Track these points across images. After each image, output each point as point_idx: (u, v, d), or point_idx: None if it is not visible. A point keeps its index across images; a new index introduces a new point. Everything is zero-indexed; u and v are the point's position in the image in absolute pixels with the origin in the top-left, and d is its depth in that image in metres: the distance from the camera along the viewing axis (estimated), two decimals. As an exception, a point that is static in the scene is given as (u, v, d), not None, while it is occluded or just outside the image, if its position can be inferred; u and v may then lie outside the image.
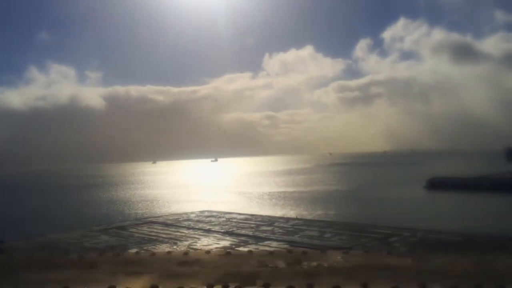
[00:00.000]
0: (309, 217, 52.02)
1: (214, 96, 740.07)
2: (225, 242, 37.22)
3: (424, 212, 58.45)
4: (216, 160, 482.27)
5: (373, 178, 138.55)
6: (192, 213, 60.62)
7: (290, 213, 55.76)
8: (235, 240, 38.10)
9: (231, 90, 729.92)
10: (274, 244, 35.88)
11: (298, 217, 49.63)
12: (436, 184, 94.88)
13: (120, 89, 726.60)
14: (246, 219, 50.60)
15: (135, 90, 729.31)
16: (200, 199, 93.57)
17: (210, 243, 36.96)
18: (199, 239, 39.01)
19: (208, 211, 61.94)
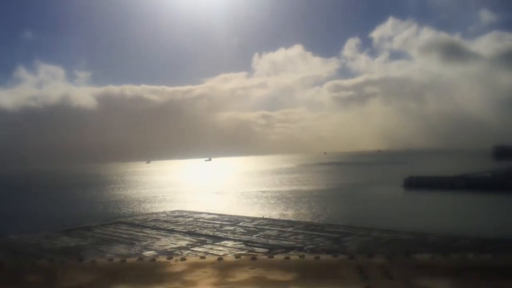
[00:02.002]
0: (276, 216, 52.78)
1: (209, 96, 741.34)
2: (183, 242, 37.74)
3: (393, 211, 59.46)
4: (209, 159, 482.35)
5: (356, 177, 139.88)
6: (163, 213, 61.08)
7: (259, 212, 56.43)
8: (193, 240, 38.66)
9: (226, 89, 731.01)
10: (230, 244, 36.54)
11: (264, 216, 50.29)
12: (413, 183, 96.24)
13: (114, 89, 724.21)
14: (213, 218, 51.18)
15: (129, 89, 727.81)
16: (180, 199, 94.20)
17: (167, 243, 37.43)
18: (159, 239, 39.45)
19: (179, 211, 62.46)
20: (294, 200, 78.72)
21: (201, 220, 50.46)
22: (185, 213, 57.60)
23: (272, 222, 47.26)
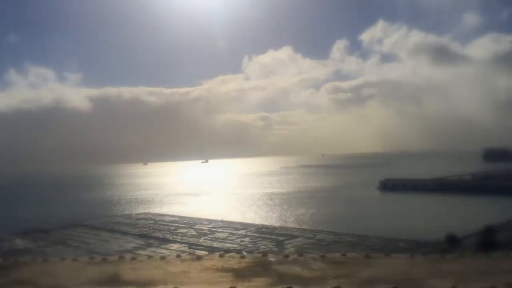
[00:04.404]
0: (237, 219, 53.42)
1: (207, 98, 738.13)
2: (130, 245, 38.58)
3: (354, 213, 60.50)
4: (206, 161, 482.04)
5: (336, 180, 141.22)
6: (128, 215, 61.94)
7: (222, 214, 57.09)
8: (141, 242, 39.51)
9: (224, 91, 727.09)
10: (175, 246, 37.42)
11: (223, 219, 51.12)
12: (388, 186, 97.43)
13: (111, 90, 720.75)
14: (172, 221, 52.07)
15: (127, 91, 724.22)
16: (158, 201, 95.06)
17: (114, 246, 38.19)
18: (108, 242, 40.24)
19: (144, 213, 63.45)
20: (263, 203, 79.44)
21: (160, 222, 51.33)
22: (149, 216, 58.51)
23: (227, 224, 48.18)
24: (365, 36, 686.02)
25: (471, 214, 51.81)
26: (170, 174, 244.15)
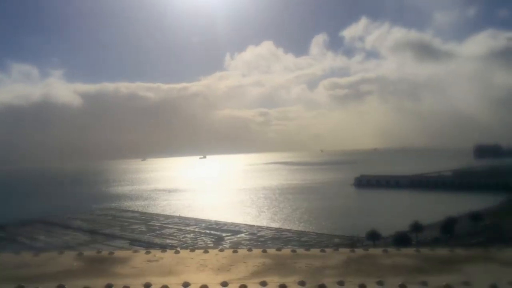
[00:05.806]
0: (197, 215, 54.09)
1: (204, 93, 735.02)
2: (76, 241, 39.39)
3: (316, 209, 61.57)
4: (204, 157, 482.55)
5: (320, 176, 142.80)
6: (94, 210, 62.82)
7: (185, 210, 57.91)
8: (88, 238, 40.37)
9: (222, 87, 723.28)
10: (117, 242, 38.27)
11: (180, 215, 52.07)
12: (363, 182, 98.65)
13: (108, 86, 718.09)
14: (131, 217, 53.04)
15: (124, 87, 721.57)
16: (137, 196, 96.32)
17: (57, 241, 39.01)
18: (55, 238, 41.04)
19: (109, 209, 64.50)
20: (237, 199, 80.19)
21: (119, 218, 52.25)
22: (111, 212, 59.46)
23: (182, 220, 49.18)
24: (350, 32, 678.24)
25: (427, 210, 52.54)
26: (164, 169, 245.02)
